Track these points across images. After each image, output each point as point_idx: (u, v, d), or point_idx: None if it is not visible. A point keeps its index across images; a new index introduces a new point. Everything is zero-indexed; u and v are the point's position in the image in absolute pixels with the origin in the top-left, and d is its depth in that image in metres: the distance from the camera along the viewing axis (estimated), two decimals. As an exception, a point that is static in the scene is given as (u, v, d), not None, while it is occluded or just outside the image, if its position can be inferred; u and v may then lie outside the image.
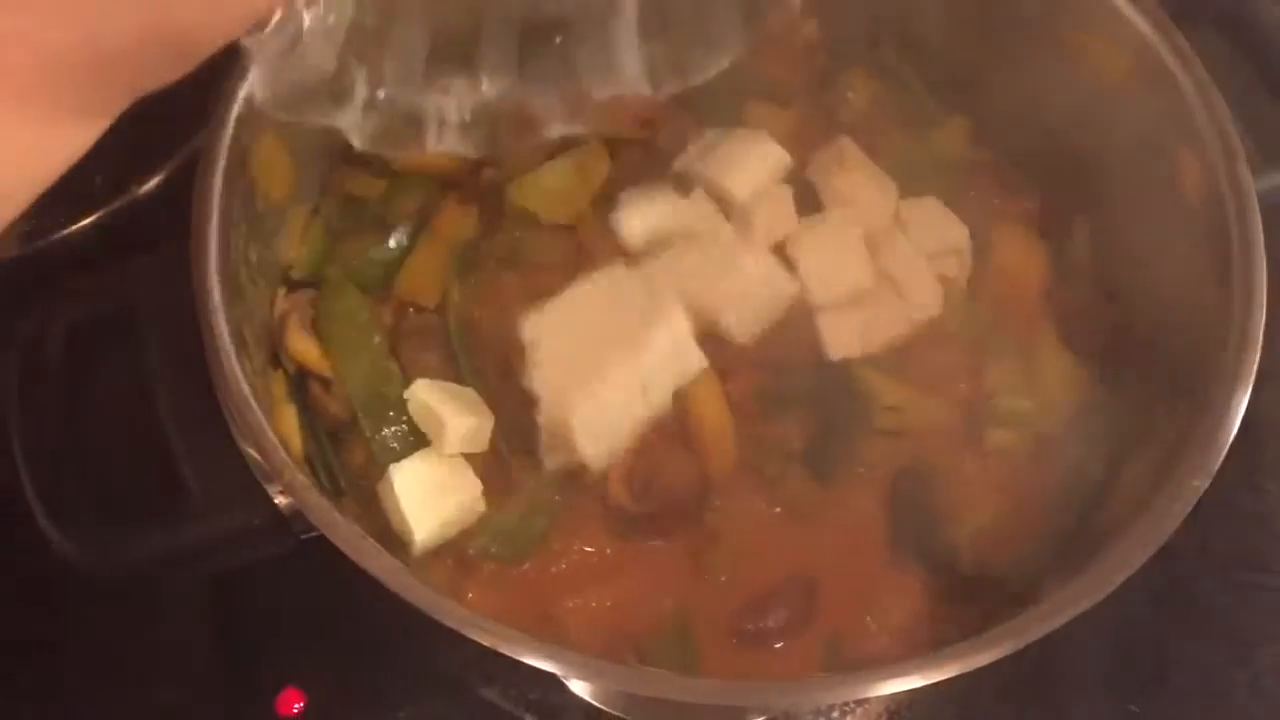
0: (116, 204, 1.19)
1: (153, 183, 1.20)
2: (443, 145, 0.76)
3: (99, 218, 1.18)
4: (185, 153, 1.20)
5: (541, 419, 0.93)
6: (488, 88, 0.76)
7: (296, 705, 1.03)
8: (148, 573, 0.82)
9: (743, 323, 0.99)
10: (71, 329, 0.84)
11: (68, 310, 0.84)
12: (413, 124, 0.75)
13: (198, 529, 0.79)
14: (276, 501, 0.79)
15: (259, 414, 0.77)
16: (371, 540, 0.75)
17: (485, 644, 0.76)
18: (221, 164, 0.84)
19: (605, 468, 0.94)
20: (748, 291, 0.98)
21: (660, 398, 0.94)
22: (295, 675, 1.03)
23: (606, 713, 1.01)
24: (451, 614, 0.76)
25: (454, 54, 0.74)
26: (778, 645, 0.96)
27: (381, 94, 0.73)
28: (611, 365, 0.92)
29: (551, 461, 0.94)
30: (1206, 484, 0.82)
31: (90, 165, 1.22)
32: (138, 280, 0.85)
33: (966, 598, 0.98)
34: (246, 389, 0.78)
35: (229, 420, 0.78)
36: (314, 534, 0.80)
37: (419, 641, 1.03)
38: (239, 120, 0.87)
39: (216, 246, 0.81)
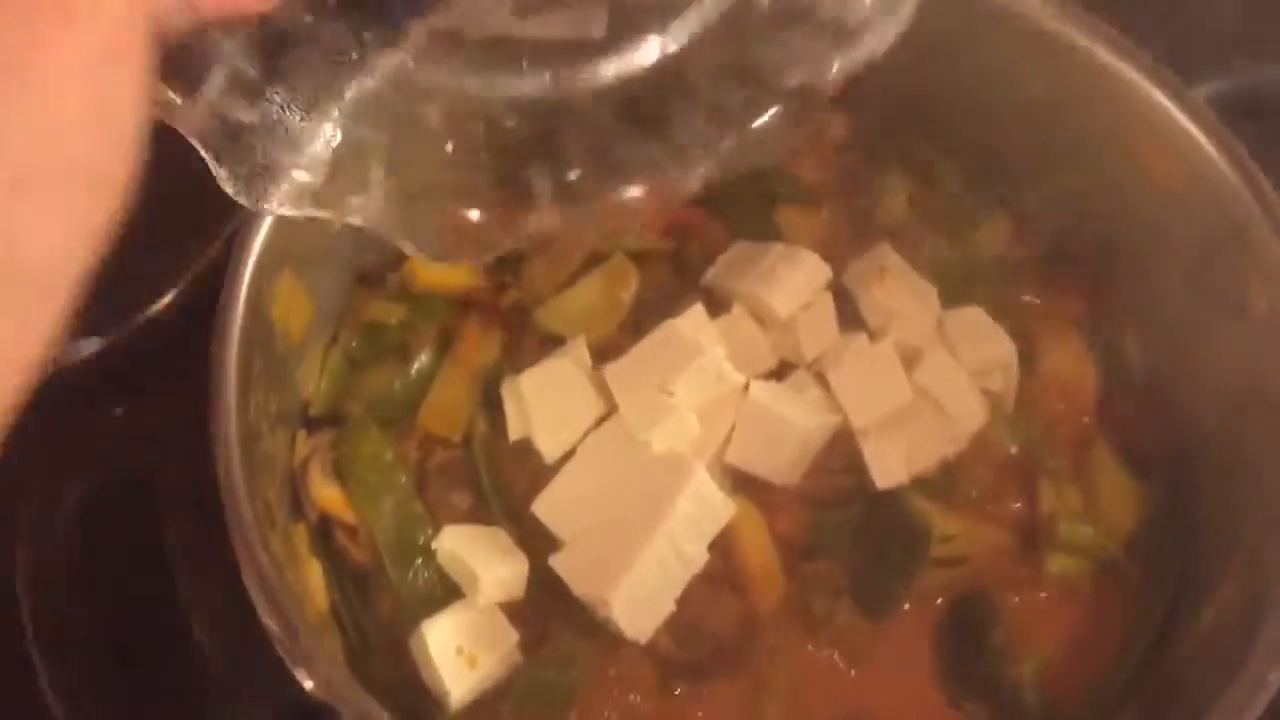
0: (121, 331, 1.14)
1: (159, 305, 1.15)
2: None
3: (105, 345, 1.13)
4: (192, 273, 1.16)
5: (576, 593, 0.87)
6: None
7: None
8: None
9: (783, 470, 0.94)
10: (84, 500, 0.79)
11: (79, 481, 0.79)
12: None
13: (217, 714, 0.73)
14: (306, 686, 0.73)
15: (290, 596, 0.72)
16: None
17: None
18: (239, 320, 0.80)
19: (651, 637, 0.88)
20: (785, 437, 0.93)
21: (696, 553, 0.89)
22: None
23: None
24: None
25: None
26: (835, 798, 0.91)
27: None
28: (639, 542, 0.86)
29: (599, 620, 0.89)
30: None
31: (102, 290, 1.20)
32: (153, 444, 0.80)
33: (1033, 740, 0.93)
34: (275, 567, 0.73)
35: (255, 603, 0.72)
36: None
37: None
38: (255, 268, 0.82)
39: (236, 411, 0.77)
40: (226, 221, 1.18)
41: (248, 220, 0.82)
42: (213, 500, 0.77)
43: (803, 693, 0.94)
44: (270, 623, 0.73)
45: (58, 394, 1.10)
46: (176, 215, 1.23)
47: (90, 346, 1.13)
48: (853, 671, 0.95)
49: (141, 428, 0.85)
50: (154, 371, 1.14)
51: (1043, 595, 0.97)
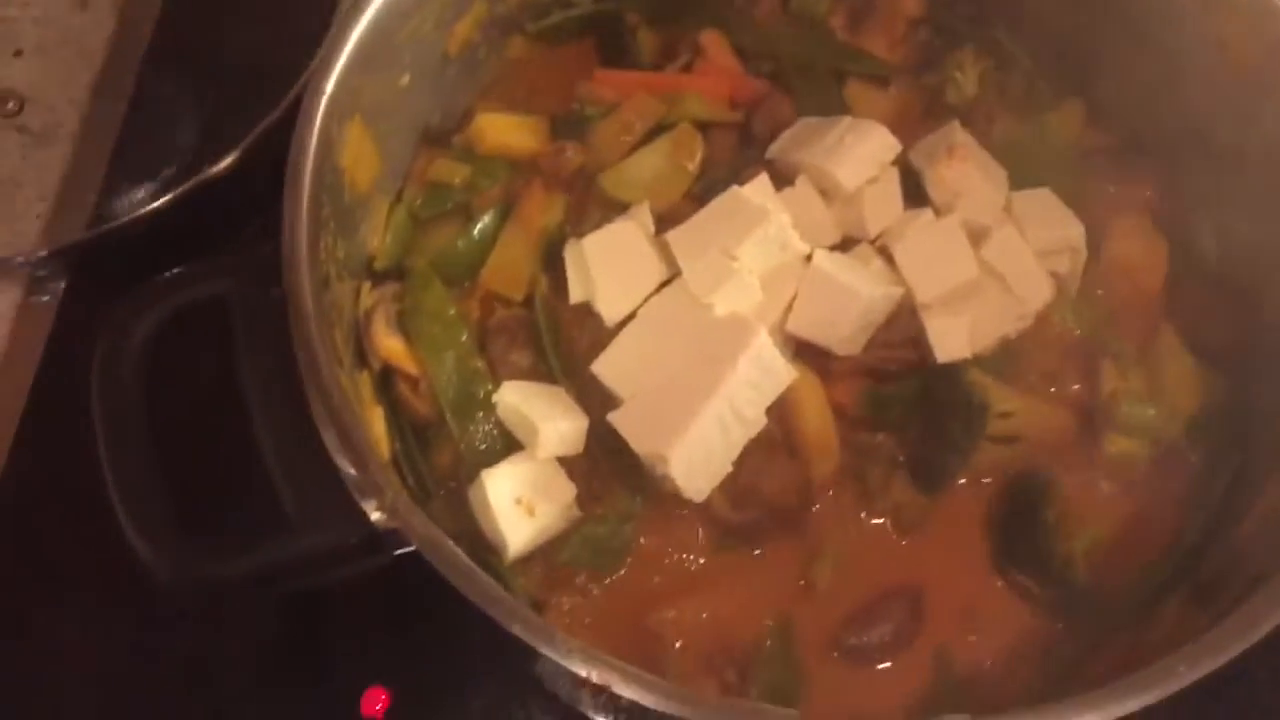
0: (189, 185, 1.14)
1: (225, 163, 1.16)
2: None
3: (172, 198, 1.14)
4: (257, 133, 1.16)
5: (635, 449, 0.88)
6: None
7: (379, 704, 1.00)
8: (238, 591, 0.78)
9: (845, 339, 0.93)
10: (155, 329, 0.80)
11: (152, 308, 0.80)
12: None
13: (291, 548, 0.75)
14: (373, 519, 0.75)
15: (360, 432, 0.73)
16: (482, 574, 0.71)
17: (596, 680, 0.72)
18: (311, 162, 0.80)
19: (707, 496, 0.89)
20: (848, 307, 0.92)
21: (755, 416, 0.89)
22: (379, 674, 1.00)
23: None
24: (563, 648, 0.72)
25: None
26: (883, 664, 0.92)
27: None
28: (699, 399, 0.87)
29: (655, 480, 0.90)
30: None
31: (162, 148, 1.21)
32: (226, 277, 0.81)
33: (1080, 614, 0.93)
34: (345, 405, 0.74)
35: (325, 436, 0.74)
36: (410, 550, 0.77)
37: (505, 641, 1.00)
38: (327, 112, 0.82)
39: (308, 250, 0.77)
40: (289, 87, 1.19)
41: (320, 66, 0.81)
42: (283, 337, 0.78)
43: (854, 560, 0.94)
44: (340, 457, 0.74)
45: (125, 247, 1.13)
46: (240, 79, 1.26)
47: (153, 203, 1.15)
48: (904, 541, 0.96)
49: (216, 273, 0.84)
50: (216, 227, 1.15)
51: (1098, 477, 0.97)
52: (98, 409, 0.78)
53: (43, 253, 1.16)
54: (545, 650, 0.70)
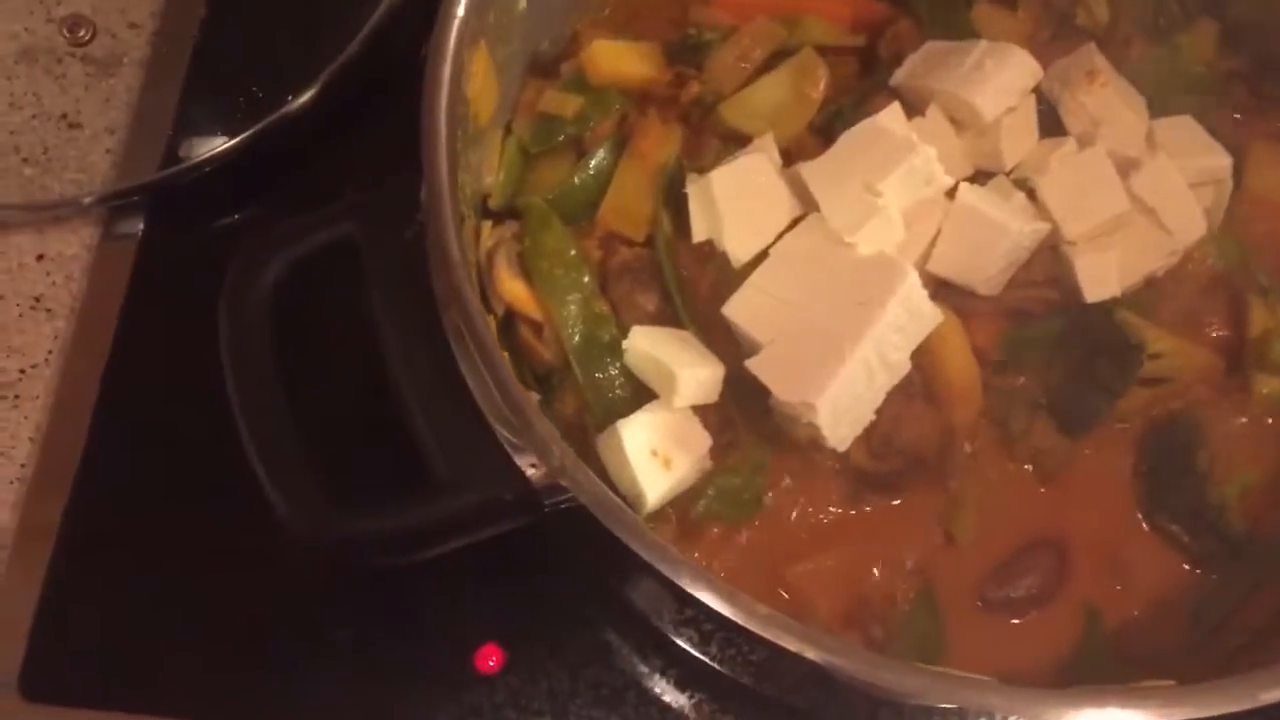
0: (267, 121, 1.08)
1: (305, 97, 1.10)
2: None
3: (249, 136, 1.08)
4: (335, 67, 1.10)
5: (775, 402, 0.83)
6: None
7: (493, 660, 0.97)
8: (387, 554, 0.74)
9: (989, 279, 0.88)
10: (284, 274, 0.75)
11: (278, 253, 0.75)
12: None
13: (440, 507, 0.71)
14: (529, 474, 0.70)
15: (516, 387, 0.69)
16: (648, 531, 0.67)
17: (754, 629, 0.68)
18: (445, 93, 0.74)
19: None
20: (994, 243, 0.87)
21: (900, 360, 0.85)
22: (494, 631, 0.97)
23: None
24: (724, 597, 0.69)
25: None
26: (1027, 615, 0.89)
27: None
28: (846, 344, 0.82)
29: (790, 429, 0.85)
30: None
31: (239, 83, 1.14)
32: (354, 220, 0.75)
33: (1235, 563, 0.90)
34: (499, 359, 0.69)
35: (478, 392, 0.69)
36: (563, 504, 0.72)
37: (623, 594, 0.96)
38: (458, 37, 0.77)
39: (449, 192, 0.72)
40: (366, 17, 1.13)
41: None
42: (420, 283, 0.73)
43: (996, 510, 0.91)
44: (495, 414, 0.70)
45: (201, 186, 1.07)
46: (314, 6, 1.19)
47: (224, 143, 1.09)
48: (1046, 490, 0.92)
49: (340, 198, 0.79)
50: (295, 164, 1.10)
51: (1250, 418, 0.93)
52: (228, 358, 0.73)
53: (112, 190, 1.11)
54: (727, 609, 0.65)
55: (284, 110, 1.10)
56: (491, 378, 0.69)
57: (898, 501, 0.91)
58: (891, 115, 0.92)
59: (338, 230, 0.75)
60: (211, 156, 1.09)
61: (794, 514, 0.90)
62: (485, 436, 0.70)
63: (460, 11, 0.76)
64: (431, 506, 0.70)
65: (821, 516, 0.90)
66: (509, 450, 0.70)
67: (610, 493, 0.68)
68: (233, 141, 1.09)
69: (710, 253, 0.92)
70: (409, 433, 0.72)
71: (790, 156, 0.94)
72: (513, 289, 0.88)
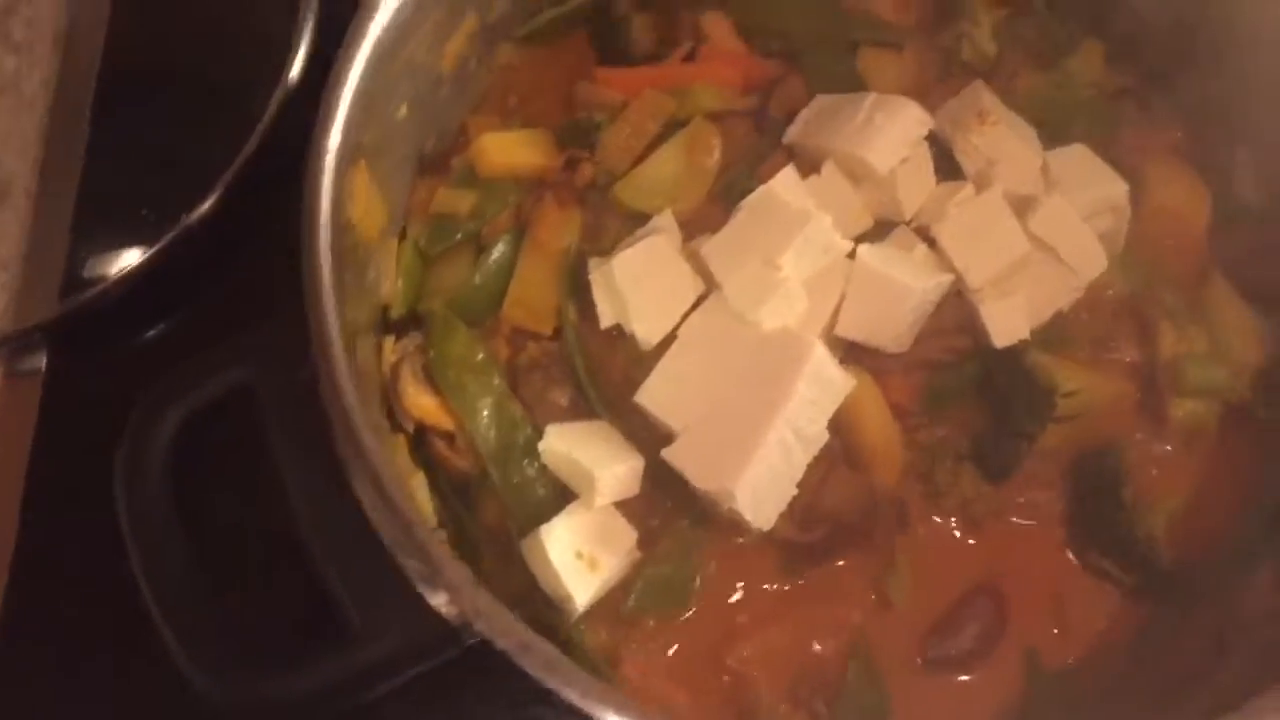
0: (170, 236, 1.06)
1: (205, 207, 1.08)
2: None
3: (152, 254, 1.06)
4: (235, 170, 1.08)
5: (696, 488, 0.83)
6: None
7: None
8: (306, 713, 0.72)
9: (898, 336, 0.88)
10: (177, 429, 0.73)
11: (171, 408, 0.73)
12: None
13: (358, 657, 0.70)
14: (444, 614, 0.69)
15: (422, 525, 0.68)
16: (567, 660, 0.66)
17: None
18: (326, 230, 0.73)
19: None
20: (899, 302, 0.87)
21: (817, 433, 0.85)
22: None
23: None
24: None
25: None
26: (971, 670, 0.89)
27: None
28: (760, 425, 0.82)
29: (716, 511, 0.85)
30: None
31: (131, 195, 1.12)
32: (247, 364, 0.74)
33: (1168, 593, 0.90)
34: (401, 496, 0.68)
35: (385, 535, 0.68)
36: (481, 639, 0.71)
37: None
38: (334, 169, 0.75)
39: (338, 331, 0.70)
40: (259, 112, 1.10)
41: (321, 120, 0.74)
42: (320, 423, 0.71)
43: (930, 566, 0.91)
44: (404, 554, 0.69)
45: (106, 310, 1.05)
46: (202, 108, 1.16)
47: (132, 260, 1.07)
48: (980, 540, 0.92)
49: (232, 341, 0.78)
50: (206, 280, 1.08)
51: (1168, 444, 0.93)
52: (127, 525, 0.72)
53: (11, 331, 1.08)
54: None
55: (185, 223, 1.08)
56: (396, 521, 0.67)
57: (831, 569, 0.90)
58: (786, 180, 0.91)
59: (231, 377, 0.73)
60: (116, 280, 1.07)
61: (729, 595, 0.90)
62: (397, 579, 0.69)
63: (334, 142, 0.75)
64: (347, 658, 0.69)
65: (756, 594, 0.90)
66: (422, 592, 0.69)
67: (528, 631, 0.67)
68: (136, 261, 1.07)
69: (620, 337, 0.91)
70: (319, 581, 0.70)
71: (692, 228, 0.93)
72: (421, 403, 0.87)
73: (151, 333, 1.10)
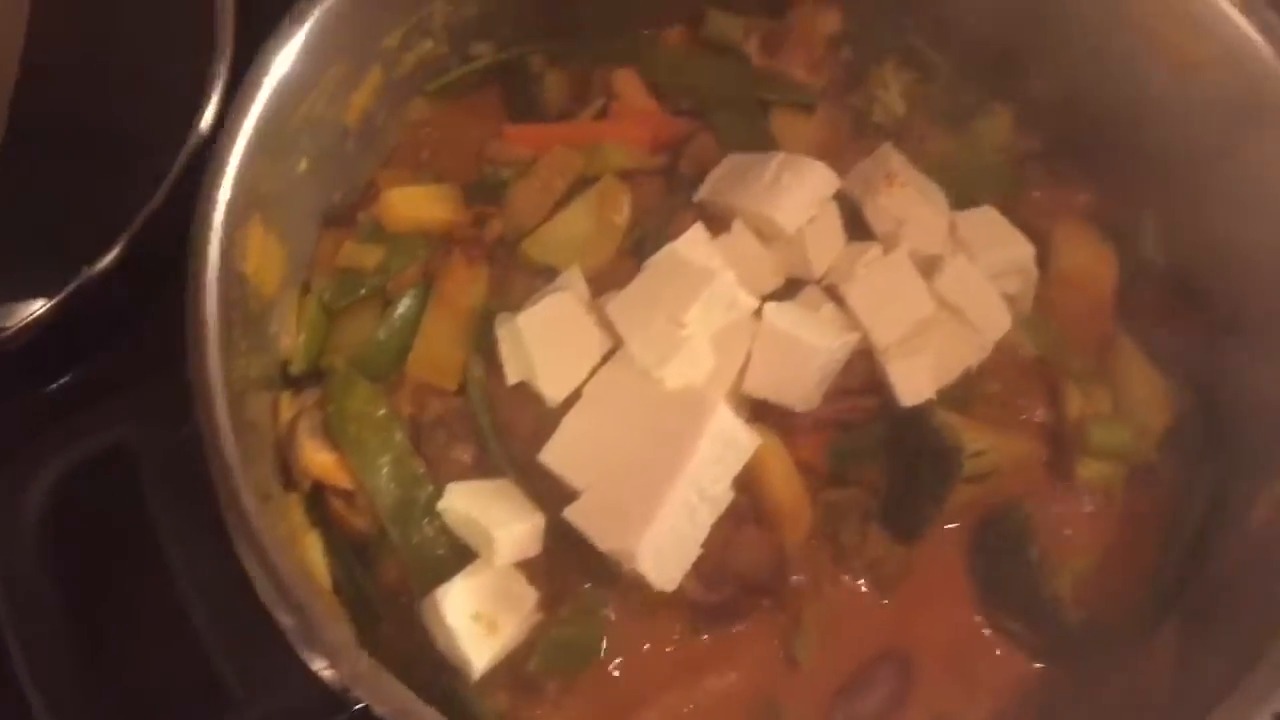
0: (71, 288, 1.04)
1: (108, 259, 1.05)
2: None
3: (54, 305, 1.03)
4: (140, 222, 1.06)
5: (599, 547, 0.82)
6: None
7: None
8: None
9: (805, 395, 0.88)
10: (52, 489, 0.71)
11: (44, 468, 0.71)
12: None
13: (239, 722, 0.67)
14: (327, 679, 0.67)
15: (305, 588, 0.66)
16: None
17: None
18: (214, 282, 0.71)
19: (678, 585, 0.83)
20: (805, 362, 0.87)
21: (721, 492, 0.84)
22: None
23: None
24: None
25: None
26: (879, 733, 0.88)
27: None
28: (663, 485, 0.81)
29: (620, 570, 0.84)
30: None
31: (33, 245, 1.10)
32: (126, 421, 0.72)
33: (1075, 653, 0.90)
34: (283, 561, 0.66)
35: (262, 596, 0.66)
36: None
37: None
38: (225, 220, 0.74)
39: (222, 384, 0.69)
40: (168, 164, 1.09)
41: (212, 170, 0.72)
42: (200, 483, 0.70)
43: (838, 627, 0.90)
44: (281, 614, 0.66)
45: (7, 364, 1.02)
46: (110, 158, 1.14)
47: (34, 310, 1.04)
48: (888, 600, 0.91)
49: (112, 398, 0.76)
50: (111, 332, 1.06)
51: (1075, 504, 0.93)
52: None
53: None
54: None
55: (88, 275, 1.06)
56: (275, 582, 0.65)
57: (739, 629, 0.89)
58: (692, 237, 0.91)
59: (112, 434, 0.71)
60: (16, 330, 1.04)
61: (634, 655, 0.88)
62: (278, 643, 0.67)
63: (224, 194, 0.74)
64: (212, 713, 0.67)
65: (662, 655, 0.88)
66: (302, 655, 0.67)
67: (411, 696, 0.65)
68: (37, 312, 1.04)
69: (529, 393, 0.90)
70: (199, 644, 0.68)
71: (600, 284, 0.93)
72: (317, 460, 0.85)
73: (53, 385, 1.07)
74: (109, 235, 1.06)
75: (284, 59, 0.77)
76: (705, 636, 0.89)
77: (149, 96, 1.15)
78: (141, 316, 1.09)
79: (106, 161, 1.12)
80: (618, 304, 0.88)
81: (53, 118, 1.17)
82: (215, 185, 0.73)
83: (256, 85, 0.76)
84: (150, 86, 1.16)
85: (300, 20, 0.78)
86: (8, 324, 1.05)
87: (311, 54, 0.79)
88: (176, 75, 1.12)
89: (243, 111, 0.75)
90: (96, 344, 1.09)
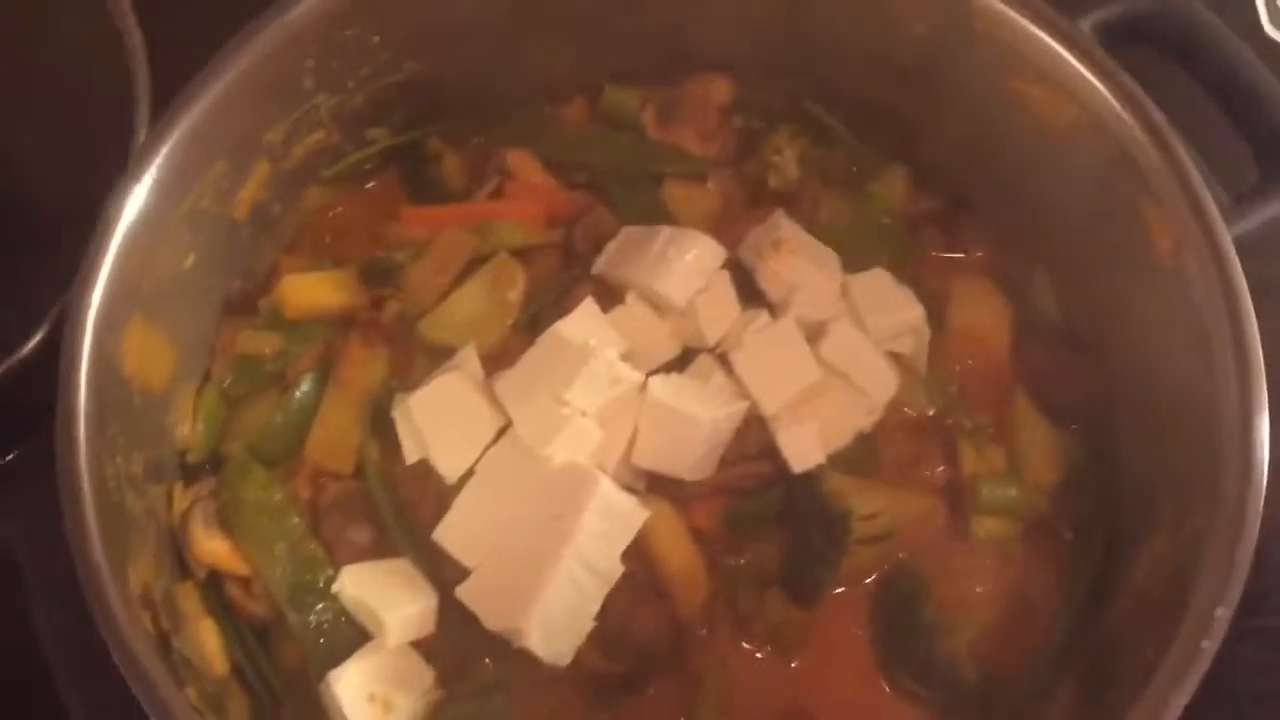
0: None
1: (33, 343, 1.06)
2: None
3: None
4: (59, 311, 1.07)
5: (487, 626, 0.83)
6: None
7: None
8: None
9: (694, 465, 0.89)
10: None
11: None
12: None
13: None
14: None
15: (163, 684, 0.67)
16: None
17: None
18: (83, 393, 0.73)
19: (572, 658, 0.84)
20: (691, 434, 0.88)
21: (609, 566, 0.85)
22: None
23: None
24: None
25: None
26: (783, 802, 0.88)
27: None
28: (547, 562, 0.82)
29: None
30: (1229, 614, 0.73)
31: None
32: (9, 522, 0.73)
33: (973, 713, 0.90)
34: (145, 657, 0.67)
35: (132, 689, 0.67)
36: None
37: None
38: (96, 331, 0.75)
39: (91, 489, 0.70)
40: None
41: (80, 281, 0.74)
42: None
43: (740, 693, 0.90)
44: (151, 713, 0.67)
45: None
46: (37, 231, 1.15)
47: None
48: (790, 665, 0.92)
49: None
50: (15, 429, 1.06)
51: (975, 561, 0.94)
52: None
53: None
54: None
55: (8, 363, 1.07)
56: (141, 677, 0.67)
57: (643, 699, 0.90)
58: (580, 317, 0.92)
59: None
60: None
61: (537, 728, 0.88)
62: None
63: (93, 303, 0.75)
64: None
65: (564, 727, 0.89)
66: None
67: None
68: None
69: (428, 472, 0.91)
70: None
71: (498, 362, 0.94)
72: (212, 549, 0.86)
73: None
74: (29, 323, 1.08)
75: (154, 164, 0.79)
76: (607, 710, 0.89)
77: (71, 179, 1.16)
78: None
79: (29, 247, 1.14)
80: (504, 383, 0.89)
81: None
82: (85, 292, 0.75)
83: (125, 193, 0.78)
84: (76, 169, 1.18)
85: (172, 121, 0.79)
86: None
87: (187, 154, 0.81)
88: (103, 158, 1.14)
89: (114, 216, 0.77)
90: (18, 434, 1.10)
